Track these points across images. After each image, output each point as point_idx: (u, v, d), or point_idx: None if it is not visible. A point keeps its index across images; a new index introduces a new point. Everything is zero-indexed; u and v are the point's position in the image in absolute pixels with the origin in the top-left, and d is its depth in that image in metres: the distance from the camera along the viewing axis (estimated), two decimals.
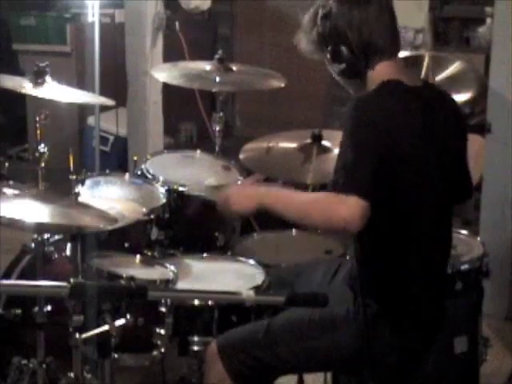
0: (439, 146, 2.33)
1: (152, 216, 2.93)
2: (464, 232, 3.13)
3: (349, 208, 2.14)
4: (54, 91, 2.88)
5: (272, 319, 2.44)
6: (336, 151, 3.10)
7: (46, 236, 2.75)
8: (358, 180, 2.18)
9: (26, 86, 2.85)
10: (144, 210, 2.92)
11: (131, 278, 2.37)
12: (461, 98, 3.37)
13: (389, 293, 2.32)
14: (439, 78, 3.38)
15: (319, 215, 2.21)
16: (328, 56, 2.34)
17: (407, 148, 2.26)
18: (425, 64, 3.27)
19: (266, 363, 2.38)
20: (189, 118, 6.07)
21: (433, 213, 2.34)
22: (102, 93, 4.50)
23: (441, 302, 2.40)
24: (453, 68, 3.46)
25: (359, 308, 2.33)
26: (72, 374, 2.41)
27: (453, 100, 2.49)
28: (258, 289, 2.63)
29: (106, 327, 2.00)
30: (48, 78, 2.86)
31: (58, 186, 2.71)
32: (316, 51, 2.38)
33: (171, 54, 4.70)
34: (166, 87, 4.56)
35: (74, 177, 2.66)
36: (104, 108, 5.01)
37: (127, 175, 3.24)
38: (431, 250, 2.35)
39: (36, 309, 2.64)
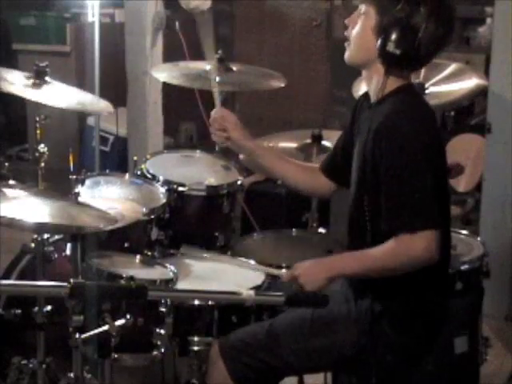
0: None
1: (152, 216, 2.93)
2: (464, 232, 3.13)
3: (425, 247, 2.14)
4: (54, 92, 2.87)
5: (274, 320, 2.43)
6: None
7: (45, 236, 2.75)
8: (424, 213, 2.16)
9: (26, 88, 2.84)
10: (144, 209, 2.91)
11: (131, 278, 2.36)
12: (460, 92, 3.37)
13: (390, 292, 2.32)
14: (436, 79, 3.38)
15: (399, 265, 2.20)
16: (385, 28, 2.22)
17: (443, 157, 2.30)
18: (422, 72, 3.28)
19: (269, 365, 2.37)
20: (189, 118, 6.08)
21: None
22: (102, 93, 4.50)
23: (442, 301, 2.40)
24: (450, 69, 3.47)
25: (361, 308, 2.33)
26: (72, 374, 2.40)
27: None
28: (257, 289, 2.62)
29: (106, 327, 1.99)
30: (48, 78, 2.85)
31: (58, 185, 2.71)
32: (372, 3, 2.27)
33: (171, 54, 4.69)
34: (166, 87, 4.56)
35: (74, 177, 2.66)
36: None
37: (127, 175, 3.24)
38: None
39: (36, 309, 2.64)
